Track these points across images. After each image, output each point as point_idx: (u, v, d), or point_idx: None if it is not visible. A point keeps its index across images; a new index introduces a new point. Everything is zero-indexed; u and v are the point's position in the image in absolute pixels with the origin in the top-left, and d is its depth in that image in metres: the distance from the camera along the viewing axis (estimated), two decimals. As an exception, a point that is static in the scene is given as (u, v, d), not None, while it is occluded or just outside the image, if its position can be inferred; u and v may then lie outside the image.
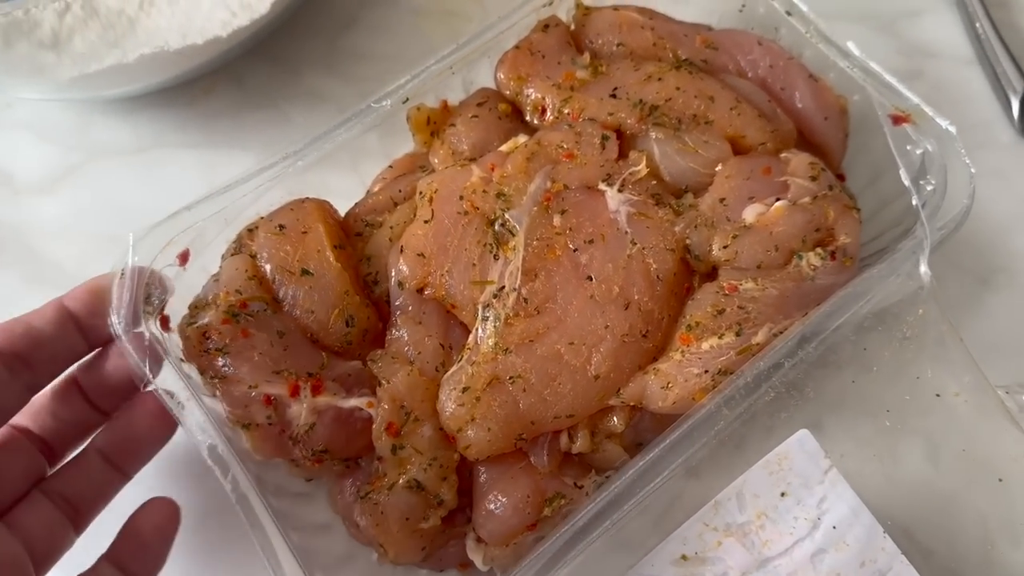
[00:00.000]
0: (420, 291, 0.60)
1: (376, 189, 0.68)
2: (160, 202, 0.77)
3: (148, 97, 0.82)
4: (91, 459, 0.59)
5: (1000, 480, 0.62)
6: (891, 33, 0.85)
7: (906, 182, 0.63)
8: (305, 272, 0.60)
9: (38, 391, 0.57)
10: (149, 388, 0.57)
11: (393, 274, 0.60)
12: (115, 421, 0.60)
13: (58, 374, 0.58)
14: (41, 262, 0.77)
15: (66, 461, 0.59)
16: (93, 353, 0.60)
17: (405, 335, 0.59)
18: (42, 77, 0.73)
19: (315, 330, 0.59)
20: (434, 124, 0.68)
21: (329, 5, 0.88)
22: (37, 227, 0.79)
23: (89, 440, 0.60)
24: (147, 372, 0.57)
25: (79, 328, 0.58)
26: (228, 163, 0.80)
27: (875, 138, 0.66)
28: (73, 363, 0.59)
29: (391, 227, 0.63)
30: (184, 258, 0.62)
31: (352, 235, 0.64)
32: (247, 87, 0.84)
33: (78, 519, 0.57)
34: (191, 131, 0.82)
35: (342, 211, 0.66)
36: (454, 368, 0.58)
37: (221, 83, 0.84)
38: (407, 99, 0.67)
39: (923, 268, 0.61)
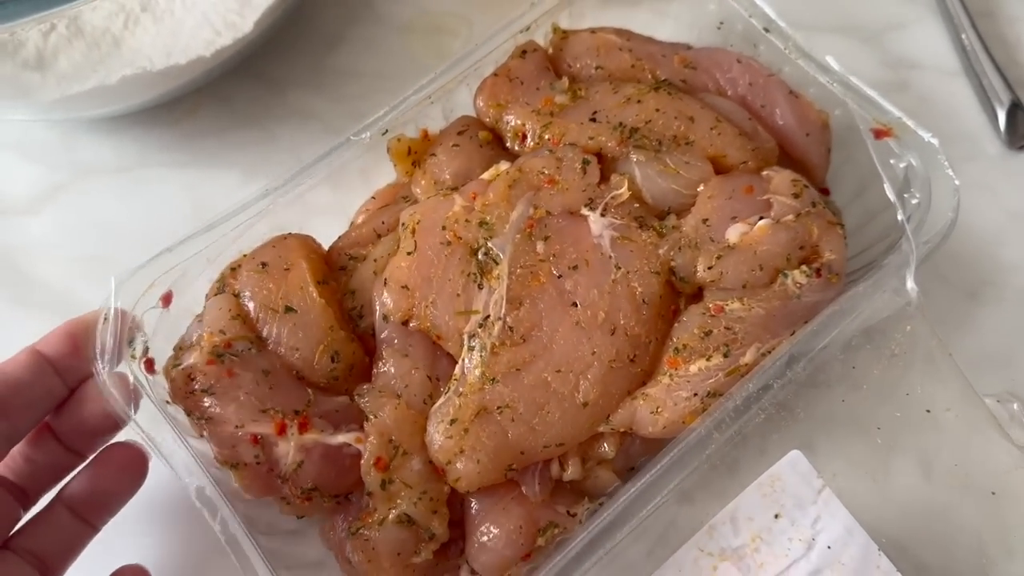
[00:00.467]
0: (405, 323, 0.62)
1: (359, 221, 0.71)
2: (146, 221, 0.81)
3: (133, 116, 0.85)
4: (59, 513, 0.60)
5: (993, 493, 0.64)
6: (876, 45, 0.88)
7: (891, 196, 0.66)
8: (289, 309, 0.62)
9: (17, 440, 0.59)
10: (131, 432, 0.59)
11: (378, 307, 0.63)
12: (84, 472, 0.62)
13: (38, 420, 0.60)
14: (27, 283, 0.80)
15: (34, 515, 0.61)
16: (69, 396, 0.62)
17: (392, 368, 0.62)
18: (26, 99, 0.75)
19: (300, 367, 0.61)
20: (415, 154, 0.71)
21: (315, 23, 0.90)
22: (22, 247, 0.81)
23: (57, 490, 0.62)
24: (131, 415, 0.59)
25: (56, 371, 0.60)
26: (213, 182, 0.83)
27: (860, 151, 0.69)
28: (52, 407, 0.61)
29: (375, 260, 0.65)
30: (167, 300, 0.64)
31: (336, 269, 0.66)
32: (233, 106, 0.87)
33: (48, 574, 0.59)
34: (176, 150, 0.85)
35: (327, 244, 0.69)
36: (441, 400, 0.60)
37: (207, 102, 0.87)
38: (386, 131, 0.69)
39: (910, 284, 0.63)
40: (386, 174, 0.73)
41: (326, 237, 0.69)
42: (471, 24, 0.90)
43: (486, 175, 0.66)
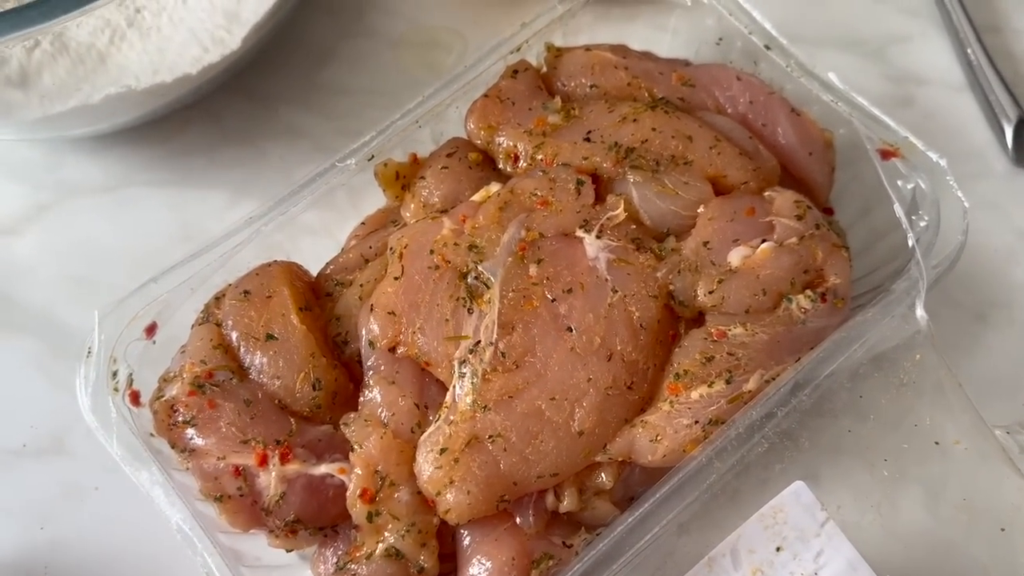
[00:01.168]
0: (392, 350, 0.61)
1: (350, 247, 0.70)
2: (132, 243, 0.80)
3: (120, 134, 0.84)
4: None
5: (1002, 530, 0.63)
6: (879, 60, 0.88)
7: (902, 219, 0.65)
8: (270, 337, 0.62)
9: None
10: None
11: (363, 334, 0.62)
12: None
13: None
14: (9, 305, 0.79)
15: None
16: None
17: (378, 396, 0.61)
18: (8, 117, 0.74)
19: (283, 396, 0.61)
20: (404, 178, 0.70)
21: (306, 38, 0.90)
22: (5, 269, 0.80)
23: None
24: (114, 450, 0.59)
25: None
26: (201, 202, 0.82)
27: (866, 170, 0.68)
28: None
29: (360, 285, 0.64)
30: (151, 331, 0.64)
31: (322, 296, 0.66)
32: (223, 124, 0.86)
33: None
34: (163, 169, 0.84)
35: (316, 266, 0.68)
36: (431, 428, 0.59)
37: (196, 120, 0.86)
38: (372, 156, 0.69)
39: (919, 311, 0.62)
40: (375, 195, 0.72)
41: (315, 259, 0.68)
42: (465, 39, 0.89)
43: (476, 197, 0.66)
